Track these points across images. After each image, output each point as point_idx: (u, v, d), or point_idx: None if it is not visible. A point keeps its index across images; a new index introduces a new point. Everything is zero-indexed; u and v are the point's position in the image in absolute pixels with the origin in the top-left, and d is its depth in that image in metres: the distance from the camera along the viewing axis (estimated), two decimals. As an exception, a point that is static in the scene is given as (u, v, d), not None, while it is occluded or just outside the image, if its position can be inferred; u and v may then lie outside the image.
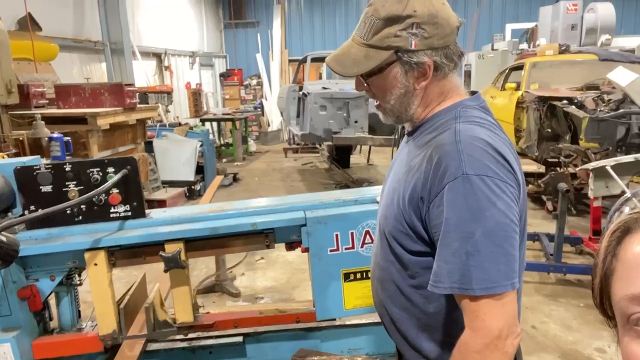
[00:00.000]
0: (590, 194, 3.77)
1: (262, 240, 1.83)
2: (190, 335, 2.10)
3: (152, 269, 2.29)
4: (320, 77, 11.94)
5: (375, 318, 2.06)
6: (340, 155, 8.93)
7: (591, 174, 3.66)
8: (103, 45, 8.74)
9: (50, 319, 1.92)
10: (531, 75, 6.55)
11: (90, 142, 5.15)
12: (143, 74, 10.13)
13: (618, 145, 4.88)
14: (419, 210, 1.06)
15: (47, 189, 1.72)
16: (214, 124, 11.19)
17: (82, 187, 1.74)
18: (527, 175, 6.03)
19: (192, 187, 7.18)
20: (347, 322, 2.15)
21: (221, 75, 15.54)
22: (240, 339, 2.13)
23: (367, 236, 1.80)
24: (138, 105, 6.09)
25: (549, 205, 5.72)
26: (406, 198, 1.08)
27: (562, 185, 3.98)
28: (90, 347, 1.81)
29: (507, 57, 10.47)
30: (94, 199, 1.72)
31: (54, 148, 4.11)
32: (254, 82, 15.11)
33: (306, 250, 1.82)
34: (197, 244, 1.79)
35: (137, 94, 6.35)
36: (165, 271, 1.72)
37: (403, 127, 1.29)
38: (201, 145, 7.43)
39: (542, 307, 3.61)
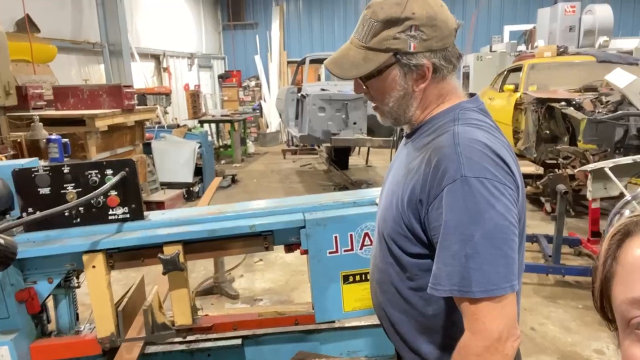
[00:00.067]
0: (589, 196, 3.78)
1: (261, 242, 1.83)
2: (189, 338, 2.09)
3: (150, 271, 2.28)
4: (319, 79, 11.91)
5: (374, 320, 2.05)
6: (339, 156, 8.92)
7: (589, 176, 3.67)
8: (101, 47, 8.73)
9: (48, 322, 1.92)
10: (529, 77, 6.56)
11: (89, 143, 5.15)
12: (141, 76, 10.13)
13: (616, 147, 4.89)
14: (418, 213, 1.06)
15: (45, 191, 1.72)
16: (213, 125, 11.20)
17: (80, 189, 1.73)
18: (526, 176, 6.03)
19: (191, 188, 7.17)
20: (346, 325, 2.14)
21: (220, 76, 15.53)
22: (239, 341, 2.13)
23: (366, 238, 1.80)
24: (136, 107, 6.09)
25: (548, 206, 5.72)
26: (405, 200, 1.08)
27: (561, 187, 3.98)
28: (89, 349, 1.81)
29: (506, 58, 10.46)
30: (92, 201, 1.72)
31: (52, 150, 4.10)
32: (253, 83, 15.11)
33: (305, 252, 1.81)
34: (195, 246, 1.78)
35: (136, 95, 6.33)
36: (164, 273, 1.71)
37: (402, 129, 1.28)
38: (200, 147, 7.43)
39: (541, 309, 3.61)
